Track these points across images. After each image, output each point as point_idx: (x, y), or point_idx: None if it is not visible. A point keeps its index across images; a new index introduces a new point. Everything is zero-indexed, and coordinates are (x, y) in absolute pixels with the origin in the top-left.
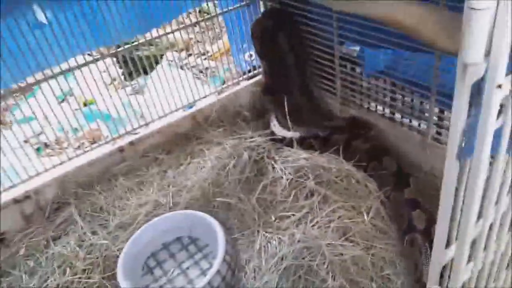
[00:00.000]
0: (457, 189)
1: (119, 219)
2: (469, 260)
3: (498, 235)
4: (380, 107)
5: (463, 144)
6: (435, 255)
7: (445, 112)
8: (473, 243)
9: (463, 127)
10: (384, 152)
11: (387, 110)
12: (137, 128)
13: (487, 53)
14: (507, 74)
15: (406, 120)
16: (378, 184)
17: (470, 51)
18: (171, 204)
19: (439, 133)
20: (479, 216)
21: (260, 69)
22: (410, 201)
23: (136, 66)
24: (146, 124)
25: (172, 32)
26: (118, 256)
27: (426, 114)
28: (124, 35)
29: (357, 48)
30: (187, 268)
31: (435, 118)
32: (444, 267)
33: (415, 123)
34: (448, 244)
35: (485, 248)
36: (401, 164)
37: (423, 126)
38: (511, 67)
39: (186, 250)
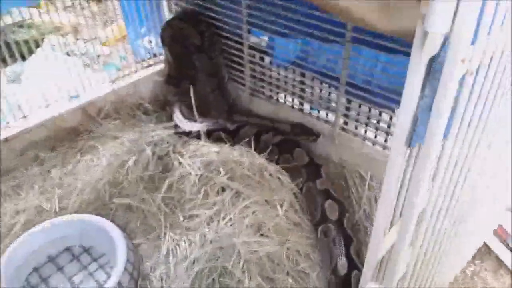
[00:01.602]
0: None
1: None
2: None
3: (438, 216)
4: (289, 98)
5: (415, 129)
6: (373, 246)
7: (352, 103)
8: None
9: (414, 109)
10: (295, 144)
11: (296, 101)
12: (13, 122)
13: (452, 22)
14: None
15: (314, 111)
16: (291, 176)
17: (434, 18)
18: (57, 209)
19: (346, 123)
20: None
21: (162, 57)
22: (322, 191)
23: (11, 51)
24: (24, 117)
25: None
26: None
27: (334, 105)
28: None
29: (266, 37)
30: (80, 281)
31: (342, 108)
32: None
33: (323, 114)
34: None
35: (426, 231)
36: (312, 155)
37: (331, 116)
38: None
39: (77, 261)
